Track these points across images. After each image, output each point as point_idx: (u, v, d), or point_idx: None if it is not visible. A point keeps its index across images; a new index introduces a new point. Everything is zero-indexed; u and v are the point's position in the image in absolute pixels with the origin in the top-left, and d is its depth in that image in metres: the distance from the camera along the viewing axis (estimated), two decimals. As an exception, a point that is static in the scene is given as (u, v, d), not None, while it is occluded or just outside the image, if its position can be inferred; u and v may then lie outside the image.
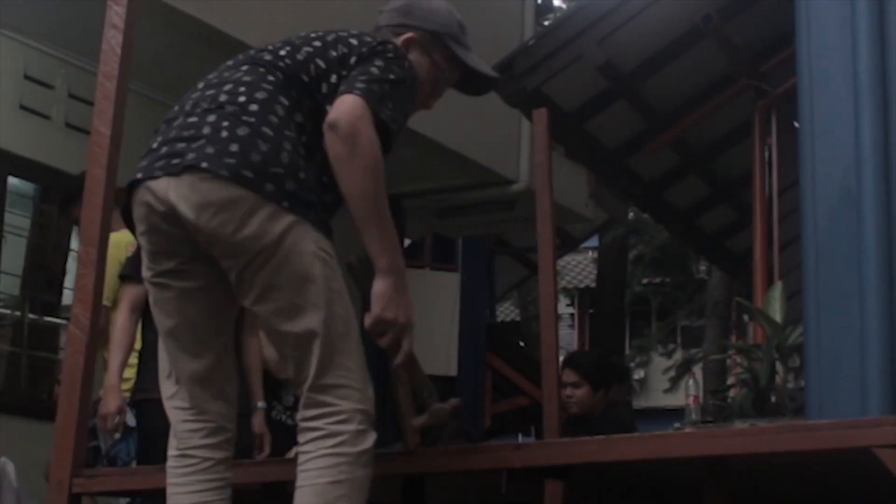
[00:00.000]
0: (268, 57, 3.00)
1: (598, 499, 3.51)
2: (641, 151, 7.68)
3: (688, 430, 3.86)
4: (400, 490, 3.18)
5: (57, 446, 3.14)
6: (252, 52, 3.09)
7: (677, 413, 5.68)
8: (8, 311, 7.04)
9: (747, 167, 7.29)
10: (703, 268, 19.41)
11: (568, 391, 6.08)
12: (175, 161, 2.73)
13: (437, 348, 10.08)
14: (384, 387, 3.80)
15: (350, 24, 8.01)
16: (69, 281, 7.09)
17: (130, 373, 4.89)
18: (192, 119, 2.85)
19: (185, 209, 2.69)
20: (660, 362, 23.80)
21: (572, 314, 26.31)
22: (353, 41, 3.18)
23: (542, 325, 5.57)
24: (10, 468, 5.28)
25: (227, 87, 2.90)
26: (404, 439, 3.09)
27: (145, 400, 4.60)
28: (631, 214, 15.72)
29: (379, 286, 2.96)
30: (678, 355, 23.15)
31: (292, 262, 2.73)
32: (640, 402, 23.07)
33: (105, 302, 4.62)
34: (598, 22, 6.25)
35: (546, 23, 10.73)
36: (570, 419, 6.10)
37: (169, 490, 2.85)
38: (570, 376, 6.10)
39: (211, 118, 2.81)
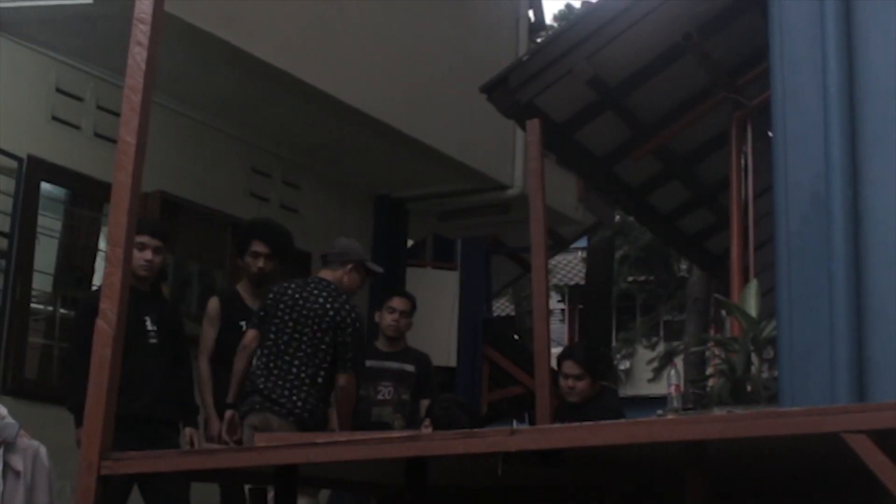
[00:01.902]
0: None
1: (588, 482, 3.51)
2: (627, 159, 7.68)
3: (670, 416, 3.85)
4: (404, 471, 3.18)
5: (87, 432, 3.14)
6: None
7: (660, 401, 5.67)
8: (41, 307, 7.03)
9: (725, 173, 7.29)
10: (683, 267, 19.39)
11: (570, 382, 6.05)
12: None
13: (438, 341, 10.08)
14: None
15: (358, 43, 8.01)
16: (97, 279, 7.09)
17: None
18: None
19: None
20: (644, 354, 23.77)
21: (563, 309, 26.27)
22: None
23: (534, 319, 5.59)
24: (43, 451, 5.27)
25: None
26: None
27: None
28: (617, 217, 15.70)
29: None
30: (661, 347, 23.14)
31: None
32: (625, 391, 23.02)
33: None
34: (586, 39, 6.25)
35: (538, 40, 10.70)
36: (562, 406, 6.10)
37: None
38: (573, 368, 6.05)
39: None
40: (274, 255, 5.94)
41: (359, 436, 3.31)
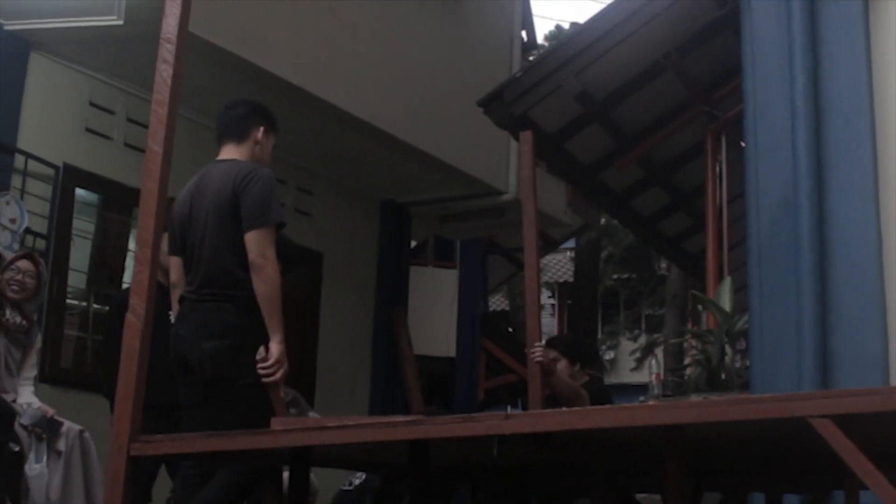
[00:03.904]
0: None
1: (576, 462, 3.51)
2: (611, 167, 7.68)
3: (651, 402, 3.86)
4: (407, 452, 3.18)
5: (117, 416, 3.13)
6: None
7: (642, 388, 5.68)
8: (76, 302, 7.04)
9: (701, 180, 7.30)
10: (663, 265, 19.39)
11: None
12: None
13: (439, 333, 10.09)
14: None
15: (367, 61, 7.99)
16: (127, 276, 7.09)
17: None
18: None
19: None
20: (627, 345, 23.77)
21: (553, 305, 26.23)
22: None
23: (527, 313, 5.59)
24: (86, 435, 5.29)
25: None
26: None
27: None
28: (603, 220, 15.70)
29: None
30: (642, 339, 23.13)
31: None
32: (610, 379, 23.00)
33: None
34: (574, 58, 6.25)
35: (531, 58, 10.70)
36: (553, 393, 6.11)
37: None
38: (548, 353, 6.12)
39: None
40: (284, 271, 5.86)
41: (366, 420, 3.32)
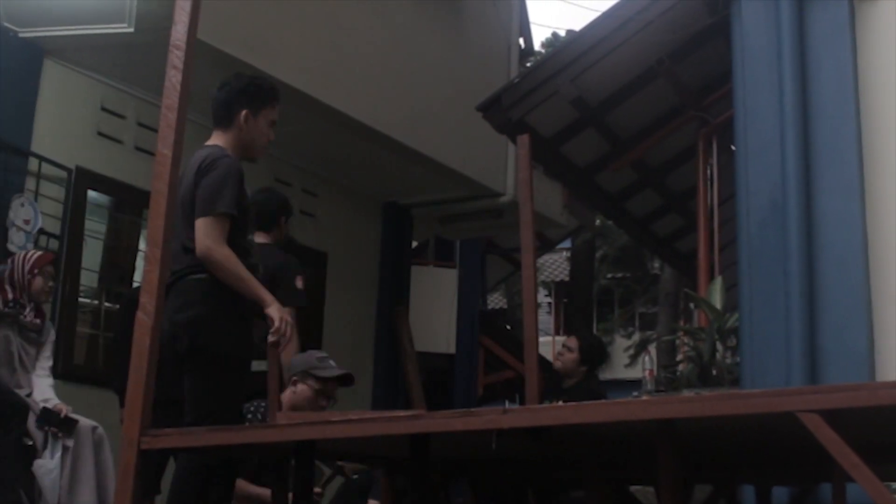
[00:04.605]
0: None
1: (571, 454, 3.51)
2: (606, 170, 7.68)
3: (644, 397, 3.86)
4: (409, 446, 3.18)
5: (128, 411, 3.13)
6: None
7: (636, 384, 5.69)
8: (88, 301, 7.03)
9: (693, 183, 7.29)
10: (656, 265, 19.39)
11: (561, 350, 6.12)
12: None
13: (439, 331, 10.09)
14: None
15: (369, 67, 7.99)
16: (137, 275, 7.09)
17: None
18: None
19: None
20: (621, 342, 23.75)
21: (550, 303, 26.25)
22: None
23: (524, 311, 5.58)
24: (99, 430, 5.28)
25: None
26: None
27: None
28: (597, 221, 15.69)
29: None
30: (636, 336, 23.13)
31: None
32: (605, 375, 22.94)
33: None
34: (570, 64, 6.25)
35: (528, 65, 10.69)
36: (549, 378, 6.12)
37: None
38: (571, 342, 6.14)
39: None
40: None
41: (369, 415, 3.32)
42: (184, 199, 3.60)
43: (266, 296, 3.54)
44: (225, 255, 3.49)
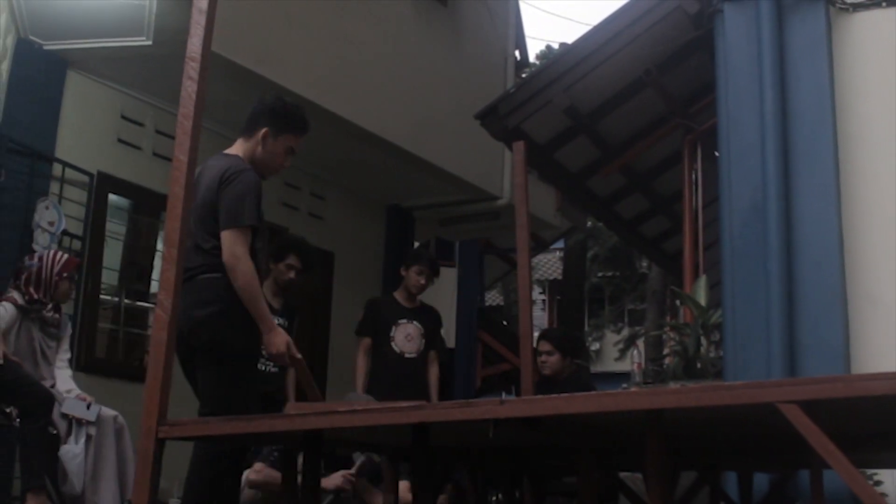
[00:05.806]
0: None
1: (564, 443, 3.51)
2: (597, 175, 7.68)
3: (633, 389, 3.85)
4: (410, 435, 3.17)
5: (146, 402, 3.13)
6: None
7: (625, 376, 5.68)
8: (109, 298, 7.04)
9: (678, 187, 7.29)
10: (644, 264, 19.39)
11: (543, 358, 6.09)
12: None
13: (440, 326, 10.05)
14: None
15: (374, 78, 7.97)
16: (155, 274, 7.09)
17: None
18: None
19: None
20: (611, 337, 23.78)
21: (544, 300, 26.24)
22: None
23: (520, 308, 5.58)
24: (119, 419, 5.28)
25: None
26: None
27: None
28: (589, 223, 15.71)
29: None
30: (625, 332, 23.14)
31: None
32: (595, 368, 23.04)
33: None
34: (563, 75, 6.25)
35: (523, 75, 10.69)
36: (542, 380, 6.10)
37: None
38: (545, 346, 6.11)
39: None
40: (303, 269, 5.82)
41: (374, 405, 3.31)
42: (200, 201, 3.61)
43: (269, 322, 3.55)
44: (247, 271, 3.52)
